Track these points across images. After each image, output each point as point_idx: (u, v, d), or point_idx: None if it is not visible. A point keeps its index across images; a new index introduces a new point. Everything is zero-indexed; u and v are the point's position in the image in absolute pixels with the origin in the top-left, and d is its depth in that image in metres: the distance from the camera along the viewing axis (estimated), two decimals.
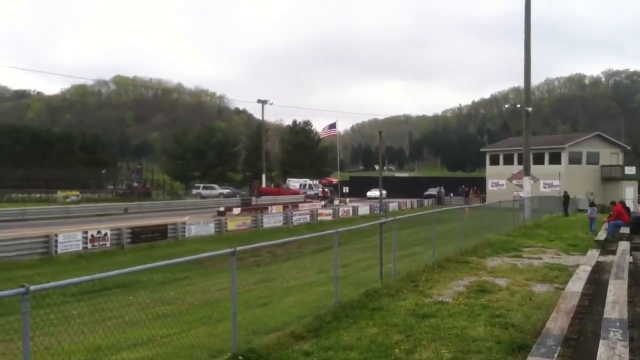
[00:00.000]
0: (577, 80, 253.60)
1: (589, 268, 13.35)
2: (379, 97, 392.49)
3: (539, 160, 59.64)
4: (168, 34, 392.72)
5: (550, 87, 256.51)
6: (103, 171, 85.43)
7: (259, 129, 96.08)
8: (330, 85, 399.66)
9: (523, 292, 11.99)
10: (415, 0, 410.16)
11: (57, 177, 76.65)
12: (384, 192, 75.84)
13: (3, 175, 76.68)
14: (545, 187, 56.51)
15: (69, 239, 25.89)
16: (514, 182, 40.13)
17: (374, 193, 76.86)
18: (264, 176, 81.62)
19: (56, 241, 25.15)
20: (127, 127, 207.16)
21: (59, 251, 25.11)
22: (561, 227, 29.67)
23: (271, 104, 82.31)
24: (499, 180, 65.32)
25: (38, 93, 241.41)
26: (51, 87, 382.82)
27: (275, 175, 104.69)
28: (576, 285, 10.97)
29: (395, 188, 76.31)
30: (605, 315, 8.25)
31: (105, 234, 27.80)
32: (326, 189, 76.74)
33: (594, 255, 16.21)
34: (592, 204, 30.59)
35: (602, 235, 22.51)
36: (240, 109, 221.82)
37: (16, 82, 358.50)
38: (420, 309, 10.33)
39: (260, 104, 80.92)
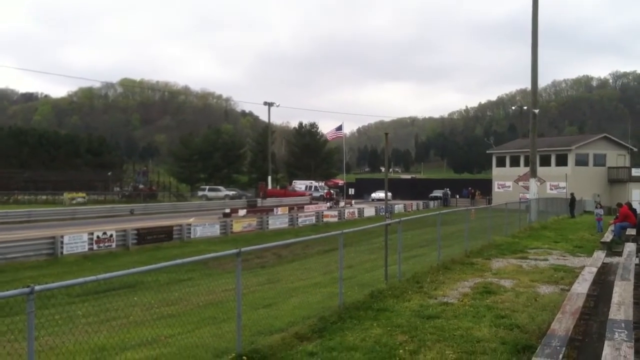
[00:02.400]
0: (584, 82, 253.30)
1: (594, 269, 13.30)
2: (385, 99, 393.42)
3: (545, 162, 59.53)
4: (174, 36, 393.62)
5: (557, 89, 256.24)
6: (109, 173, 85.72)
7: (265, 131, 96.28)
8: (336, 87, 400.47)
9: (528, 293, 11.96)
10: (422, 2, 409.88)
11: (63, 179, 77.05)
12: (389, 194, 76.28)
13: (10, 177, 77.15)
14: (551, 189, 56.37)
15: (75, 240, 25.97)
16: (521, 183, 40.01)
17: (378, 195, 76.80)
18: (269, 178, 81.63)
19: (62, 242, 25.22)
20: (133, 130, 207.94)
21: (65, 252, 25.18)
22: (567, 229, 29.59)
23: (277, 106, 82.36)
24: (505, 182, 65.26)
25: (45, 96, 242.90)
26: (58, 89, 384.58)
27: (281, 177, 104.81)
28: (582, 287, 10.92)
29: (401, 190, 76.25)
30: (611, 316, 8.22)
31: (111, 235, 27.86)
32: (331, 191, 76.70)
33: (599, 256, 16.15)
34: (598, 206, 30.47)
35: (608, 237, 22.43)
36: (247, 111, 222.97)
37: (23, 84, 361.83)
38: (425, 310, 10.30)
39: (267, 106, 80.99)
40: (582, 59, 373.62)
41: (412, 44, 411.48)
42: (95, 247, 26.77)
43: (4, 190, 68.91)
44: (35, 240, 25.40)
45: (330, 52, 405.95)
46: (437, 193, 76.11)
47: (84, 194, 66.82)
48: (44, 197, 67.31)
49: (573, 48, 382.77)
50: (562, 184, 55.01)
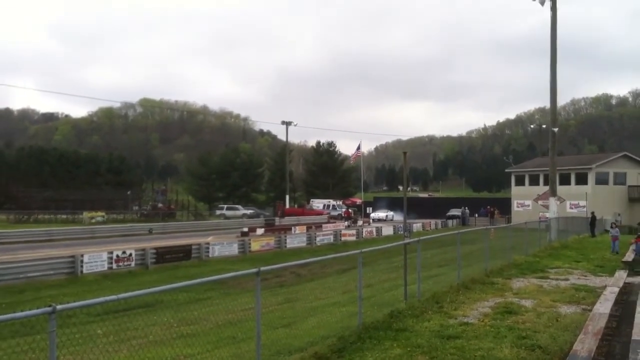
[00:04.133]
0: (603, 100, 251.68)
1: (616, 289, 13.17)
2: (403, 117, 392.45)
3: (565, 180, 59.17)
4: (193, 56, 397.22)
5: (576, 107, 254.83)
6: (129, 192, 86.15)
7: (283, 150, 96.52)
8: (354, 105, 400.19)
9: (550, 313, 11.83)
10: (440, 20, 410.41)
11: (84, 198, 77.62)
12: (391, 213, 75.18)
13: (31, 196, 77.92)
14: (571, 208, 55.94)
15: (95, 259, 26.08)
16: (540, 202, 39.72)
17: (378, 214, 75.54)
18: (287, 197, 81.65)
19: (82, 261, 25.31)
20: (152, 149, 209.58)
21: (85, 271, 25.27)
22: (588, 248, 29.30)
23: (295, 125, 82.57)
24: (525, 201, 64.82)
25: (66, 116, 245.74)
26: (79, 109, 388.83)
27: (299, 195, 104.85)
28: (604, 307, 10.82)
29: (419, 208, 75.75)
30: (634, 337, 8.12)
31: (130, 254, 27.95)
32: (350, 210, 76.52)
33: (621, 276, 16.00)
34: (613, 225, 30.00)
35: (629, 256, 22.20)
36: (265, 130, 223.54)
37: (44, 105, 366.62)
38: (445, 330, 10.23)
39: (284, 125, 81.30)
40: (601, 77, 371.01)
41: (430, 62, 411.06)
42: (114, 266, 26.86)
43: (24, 209, 69.58)
44: (55, 259, 25.51)
45: (348, 71, 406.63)
46: (455, 212, 75.22)
47: (103, 213, 67.23)
48: (64, 216, 67.76)
49: (592, 66, 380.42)
50: (582, 203, 54.57)
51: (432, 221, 63.32)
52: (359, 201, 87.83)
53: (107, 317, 13.99)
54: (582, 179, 62.03)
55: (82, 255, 25.72)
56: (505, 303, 12.95)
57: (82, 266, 25.24)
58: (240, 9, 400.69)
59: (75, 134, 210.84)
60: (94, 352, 8.09)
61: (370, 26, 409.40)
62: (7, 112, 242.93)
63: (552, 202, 35.32)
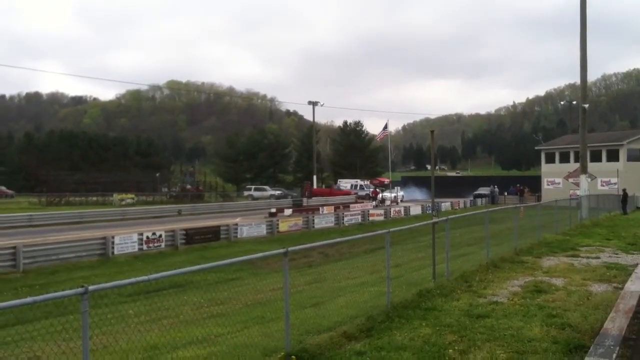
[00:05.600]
0: (635, 76, 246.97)
1: None
2: (431, 96, 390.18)
3: (596, 157, 58.23)
4: (219, 37, 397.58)
5: (607, 83, 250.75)
6: (157, 174, 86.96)
7: (309, 131, 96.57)
8: (380, 85, 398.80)
9: (580, 292, 11.72)
10: None
11: (113, 180, 78.56)
12: (401, 193, 73.12)
13: (62, 179, 79.06)
14: (602, 185, 55.13)
15: (125, 241, 26.37)
16: (571, 180, 39.25)
17: (385, 195, 69.86)
18: (314, 177, 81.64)
19: (113, 243, 25.61)
20: (180, 131, 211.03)
21: (116, 252, 25.59)
22: (620, 226, 28.92)
23: (322, 105, 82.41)
24: (555, 179, 64.05)
25: (94, 99, 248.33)
26: (107, 92, 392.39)
27: (327, 176, 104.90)
28: (635, 285, 10.68)
29: (447, 187, 75.00)
30: None
31: (160, 236, 28.22)
32: (377, 189, 76.18)
33: None
34: None
35: None
36: (291, 110, 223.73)
37: (73, 88, 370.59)
38: (475, 309, 10.19)
39: (311, 106, 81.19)
40: (633, 52, 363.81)
41: (458, 39, 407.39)
42: (145, 247, 27.14)
43: (56, 192, 70.66)
44: (87, 241, 25.84)
45: (375, 50, 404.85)
46: (483, 190, 74.14)
47: (132, 195, 67.98)
48: (94, 198, 68.59)
49: (623, 41, 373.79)
50: (614, 180, 53.76)
51: (461, 200, 62.85)
52: (386, 181, 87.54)
53: (139, 297, 14.18)
54: (613, 156, 61.00)
55: (113, 237, 26.03)
56: (535, 282, 12.85)
57: (113, 247, 25.55)
58: None
59: (104, 117, 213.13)
60: (126, 332, 8.21)
61: (396, 4, 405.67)
62: (36, 96, 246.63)
63: (583, 179, 34.89)
